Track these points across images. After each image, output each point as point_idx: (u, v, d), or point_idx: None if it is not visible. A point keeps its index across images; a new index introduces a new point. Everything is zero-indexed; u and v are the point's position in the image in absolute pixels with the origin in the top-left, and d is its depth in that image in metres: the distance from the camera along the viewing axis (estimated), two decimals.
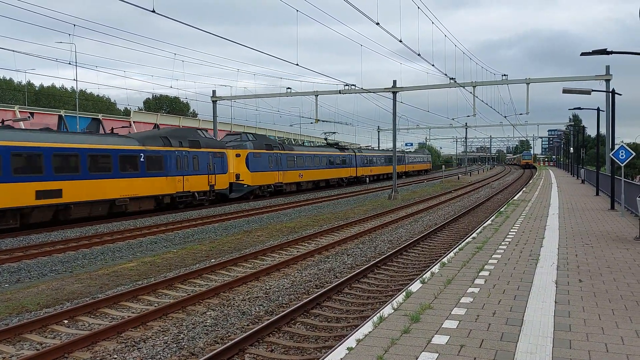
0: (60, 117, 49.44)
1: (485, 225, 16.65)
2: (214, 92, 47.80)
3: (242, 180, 35.61)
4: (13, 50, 41.20)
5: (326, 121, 59.30)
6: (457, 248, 12.41)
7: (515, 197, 28.57)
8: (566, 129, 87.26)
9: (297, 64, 26.53)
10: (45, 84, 79.99)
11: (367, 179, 59.17)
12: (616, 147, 19.23)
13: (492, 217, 18.83)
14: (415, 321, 6.75)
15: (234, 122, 64.19)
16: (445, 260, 10.87)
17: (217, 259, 15.42)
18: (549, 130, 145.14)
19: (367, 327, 6.63)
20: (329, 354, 5.84)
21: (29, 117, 40.23)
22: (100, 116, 55.41)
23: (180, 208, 29.57)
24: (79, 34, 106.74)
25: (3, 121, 31.96)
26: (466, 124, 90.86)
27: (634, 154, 18.68)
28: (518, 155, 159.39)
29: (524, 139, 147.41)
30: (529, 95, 39.61)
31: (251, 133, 41.79)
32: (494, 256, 11.19)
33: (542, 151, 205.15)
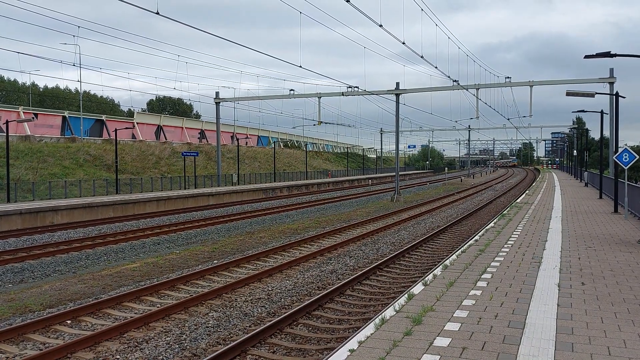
0: (64, 118, 49.60)
1: (487, 227, 16.62)
2: (217, 93, 48.00)
3: None
4: (18, 52, 41.37)
5: (329, 123, 59.47)
6: (460, 250, 12.39)
7: (518, 200, 28.51)
8: (569, 131, 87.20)
9: (300, 66, 26.56)
10: (50, 85, 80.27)
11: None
12: (620, 149, 19.18)
13: (495, 220, 18.79)
14: (417, 323, 6.75)
15: (237, 123, 64.33)
16: (447, 262, 10.86)
17: (220, 260, 15.44)
18: (552, 133, 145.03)
19: (369, 329, 6.63)
20: (330, 356, 5.84)
21: (33, 118, 40.43)
22: (103, 117, 55.61)
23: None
24: (83, 35, 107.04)
25: (7, 122, 32.10)
26: (469, 126, 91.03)
27: (638, 157, 18.61)
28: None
29: (527, 141, 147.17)
30: (532, 97, 39.60)
31: None
32: (496, 259, 11.17)
33: (545, 154, 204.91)
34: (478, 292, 8.34)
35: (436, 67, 31.47)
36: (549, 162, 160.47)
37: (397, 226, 22.96)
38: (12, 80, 75.19)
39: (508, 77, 38.67)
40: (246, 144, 70.28)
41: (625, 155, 18.47)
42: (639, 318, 7.00)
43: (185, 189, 41.34)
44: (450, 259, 11.33)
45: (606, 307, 7.54)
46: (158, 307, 10.64)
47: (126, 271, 14.17)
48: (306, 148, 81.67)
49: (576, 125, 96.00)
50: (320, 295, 10.77)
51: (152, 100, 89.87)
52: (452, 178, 76.97)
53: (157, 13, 16.51)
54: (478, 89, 39.08)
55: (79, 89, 58.94)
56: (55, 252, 16.90)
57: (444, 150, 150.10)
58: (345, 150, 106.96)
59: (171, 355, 8.05)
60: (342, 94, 41.35)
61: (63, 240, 19.17)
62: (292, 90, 43.59)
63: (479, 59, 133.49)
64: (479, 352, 5.77)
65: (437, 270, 10.09)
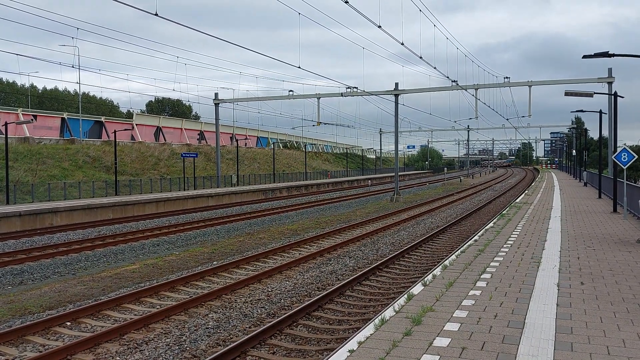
0: (63, 119, 49.59)
1: (487, 227, 16.62)
2: (216, 94, 47.92)
3: None
4: (17, 54, 41.37)
5: (328, 124, 59.45)
6: (459, 250, 12.40)
7: (518, 200, 28.53)
8: (568, 131, 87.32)
9: (299, 67, 26.59)
10: (49, 87, 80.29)
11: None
12: (619, 149, 19.20)
13: (494, 220, 18.80)
14: (416, 323, 6.75)
15: (236, 124, 64.35)
16: (447, 262, 10.87)
17: (220, 261, 15.44)
18: (551, 133, 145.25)
19: (368, 330, 6.64)
20: (330, 356, 5.85)
21: (32, 119, 40.42)
22: (102, 119, 55.59)
23: None
24: (82, 37, 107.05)
25: (6, 124, 32.09)
26: (468, 126, 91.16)
27: (637, 156, 18.63)
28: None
29: (526, 141, 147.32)
30: (531, 97, 39.63)
31: None
32: (495, 259, 11.18)
33: (544, 154, 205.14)
34: (477, 292, 8.35)
35: (435, 68, 31.51)
36: (548, 162, 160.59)
37: (396, 226, 22.97)
38: (11, 82, 75.25)
39: (507, 77, 38.71)
40: (245, 145, 70.27)
41: (624, 154, 18.49)
42: (638, 317, 7.01)
43: (184, 190, 41.34)
44: (449, 259, 11.34)
45: (605, 306, 7.55)
46: (158, 308, 10.64)
47: (126, 272, 14.17)
48: (305, 149, 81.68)
49: (575, 125, 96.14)
50: (320, 296, 10.77)
51: (151, 101, 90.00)
52: (452, 178, 76.99)
53: (156, 14, 16.51)
54: (477, 89, 39.10)
55: (77, 90, 59.05)
56: (55, 253, 16.89)
57: (443, 150, 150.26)
58: (345, 150, 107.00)
59: (171, 357, 8.05)
60: (341, 94, 41.38)
61: (62, 242, 19.16)
62: (291, 91, 43.61)
63: (477, 59, 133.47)
64: (478, 352, 5.78)
65: (437, 271, 10.10)
